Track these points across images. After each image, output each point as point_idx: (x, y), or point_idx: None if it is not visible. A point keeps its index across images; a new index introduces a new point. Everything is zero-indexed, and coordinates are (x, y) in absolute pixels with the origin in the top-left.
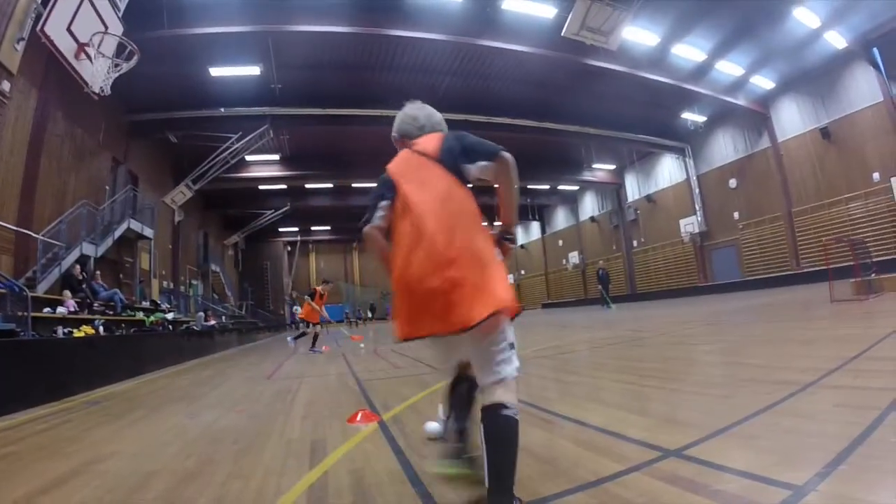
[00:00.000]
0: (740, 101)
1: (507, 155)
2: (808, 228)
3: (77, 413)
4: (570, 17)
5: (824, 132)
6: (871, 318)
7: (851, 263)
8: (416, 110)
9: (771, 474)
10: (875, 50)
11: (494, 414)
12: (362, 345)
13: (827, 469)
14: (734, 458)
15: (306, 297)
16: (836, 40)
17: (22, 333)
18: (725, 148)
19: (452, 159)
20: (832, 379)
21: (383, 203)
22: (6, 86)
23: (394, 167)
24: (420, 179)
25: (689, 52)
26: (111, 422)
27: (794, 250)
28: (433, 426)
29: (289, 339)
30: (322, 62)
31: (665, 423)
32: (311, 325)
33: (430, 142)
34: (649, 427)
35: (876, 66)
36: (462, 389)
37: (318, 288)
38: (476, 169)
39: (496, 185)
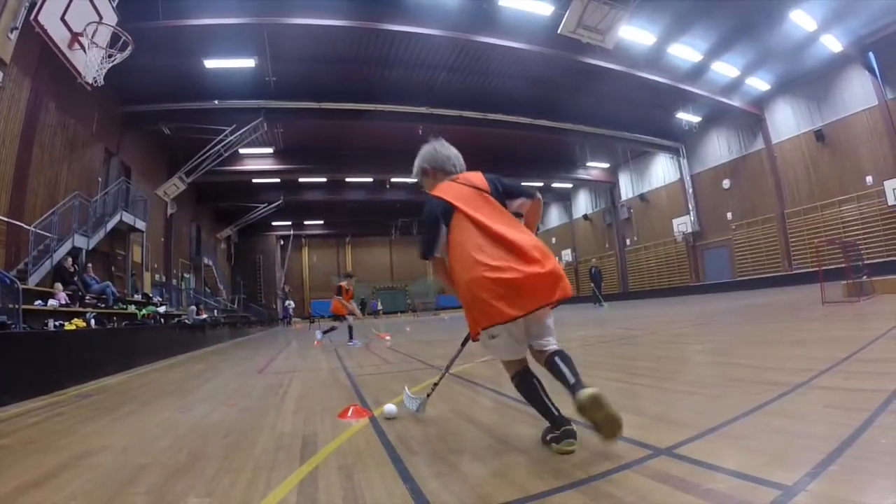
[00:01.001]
0: (735, 102)
1: (540, 196)
2: (801, 230)
3: (68, 406)
4: (566, 14)
5: (818, 135)
6: (862, 320)
7: (843, 265)
8: (446, 150)
9: (761, 474)
10: (870, 54)
11: (563, 352)
12: (388, 338)
13: (817, 470)
14: (725, 458)
15: (336, 296)
16: (832, 44)
17: (13, 326)
18: (719, 148)
19: (498, 194)
20: (822, 380)
21: (444, 231)
22: None
23: (449, 195)
24: (479, 206)
25: (685, 52)
26: (102, 415)
27: (787, 251)
28: (391, 408)
29: (317, 332)
30: (317, 56)
31: (656, 422)
32: (340, 319)
33: (476, 178)
34: (640, 425)
35: (871, 70)
36: (538, 383)
37: (343, 283)
38: (516, 203)
39: (524, 215)
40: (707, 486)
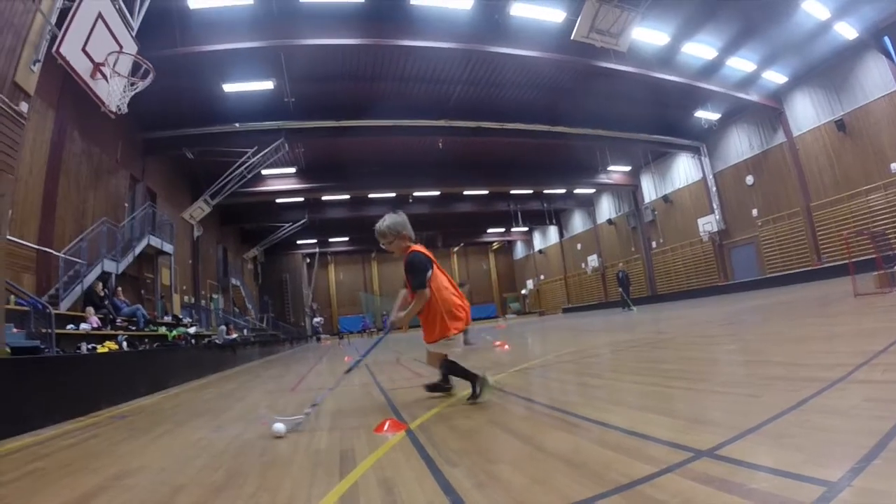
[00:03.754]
0: (753, 97)
1: None
2: (828, 222)
3: (103, 428)
4: (578, 20)
5: (839, 124)
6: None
7: (873, 256)
8: (407, 220)
9: (804, 471)
10: (886, 39)
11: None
12: (507, 348)
13: (860, 465)
14: (766, 457)
15: None
16: (847, 31)
17: (46, 350)
18: (740, 144)
19: None
20: (860, 374)
21: (429, 274)
22: (24, 107)
23: (429, 254)
24: (439, 266)
25: (699, 49)
26: (137, 436)
27: (815, 245)
28: (280, 426)
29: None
30: (335, 74)
31: (693, 424)
32: None
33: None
34: (677, 428)
35: (888, 54)
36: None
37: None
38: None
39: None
40: (751, 486)
